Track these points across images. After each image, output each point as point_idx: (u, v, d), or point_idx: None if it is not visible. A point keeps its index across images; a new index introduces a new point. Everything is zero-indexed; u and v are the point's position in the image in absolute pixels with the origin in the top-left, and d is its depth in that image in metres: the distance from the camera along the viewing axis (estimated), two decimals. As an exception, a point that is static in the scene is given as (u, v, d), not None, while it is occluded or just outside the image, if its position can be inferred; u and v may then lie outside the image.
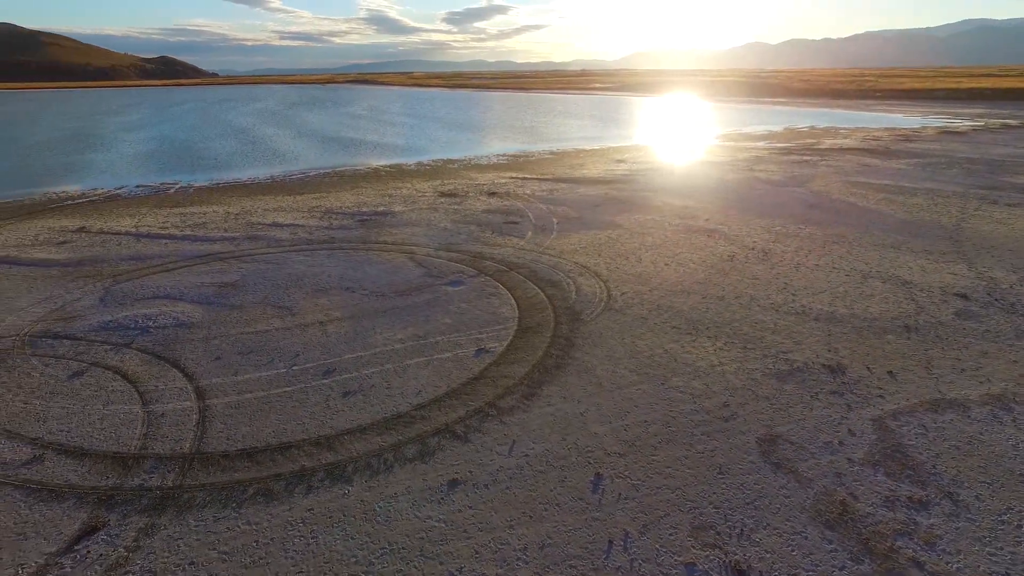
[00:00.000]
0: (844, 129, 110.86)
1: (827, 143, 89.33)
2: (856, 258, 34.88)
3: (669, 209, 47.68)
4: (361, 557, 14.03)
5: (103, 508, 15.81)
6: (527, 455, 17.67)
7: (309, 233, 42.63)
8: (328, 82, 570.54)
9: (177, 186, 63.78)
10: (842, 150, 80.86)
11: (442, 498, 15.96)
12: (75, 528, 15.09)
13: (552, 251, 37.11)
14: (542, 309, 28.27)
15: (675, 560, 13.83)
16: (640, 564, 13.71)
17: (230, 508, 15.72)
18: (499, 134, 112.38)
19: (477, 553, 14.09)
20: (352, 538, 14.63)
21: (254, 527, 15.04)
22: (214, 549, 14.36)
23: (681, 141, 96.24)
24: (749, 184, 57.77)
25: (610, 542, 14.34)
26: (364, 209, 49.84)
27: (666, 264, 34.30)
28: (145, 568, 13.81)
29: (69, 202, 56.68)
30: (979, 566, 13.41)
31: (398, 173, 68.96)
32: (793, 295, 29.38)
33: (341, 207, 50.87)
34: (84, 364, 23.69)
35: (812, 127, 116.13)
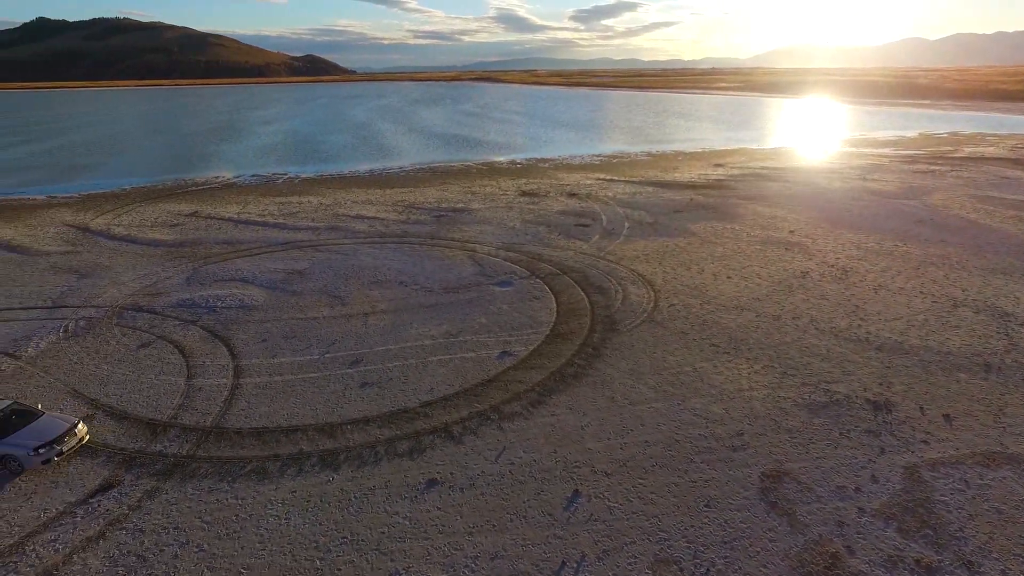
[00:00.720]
0: (993, 136, 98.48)
1: (965, 151, 79.84)
2: (952, 283, 31.05)
3: (753, 218, 44.92)
4: (322, 543, 14.62)
5: (123, 468, 17.60)
6: (512, 463, 17.52)
7: (385, 227, 44.53)
8: (453, 79, 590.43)
9: (286, 176, 68.91)
10: (981, 159, 71.96)
11: (416, 496, 16.23)
12: (96, 483, 16.93)
13: (612, 256, 36.25)
14: (581, 316, 27.76)
15: (626, 591, 13.21)
16: (588, 590, 13.24)
17: (225, 482, 16.93)
18: (601, 134, 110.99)
19: (428, 555, 14.23)
20: (320, 524, 15.28)
21: (239, 502, 16.11)
22: (199, 518, 15.56)
23: (795, 145, 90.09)
24: (855, 194, 53.03)
25: (563, 563, 13.93)
26: (443, 205, 51.25)
27: (728, 277, 32.41)
28: (137, 526, 15.25)
29: (193, 188, 63.03)
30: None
31: (488, 170, 70.16)
32: (861, 320, 26.74)
33: (423, 202, 52.64)
34: (153, 337, 26.38)
35: (954, 133, 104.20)
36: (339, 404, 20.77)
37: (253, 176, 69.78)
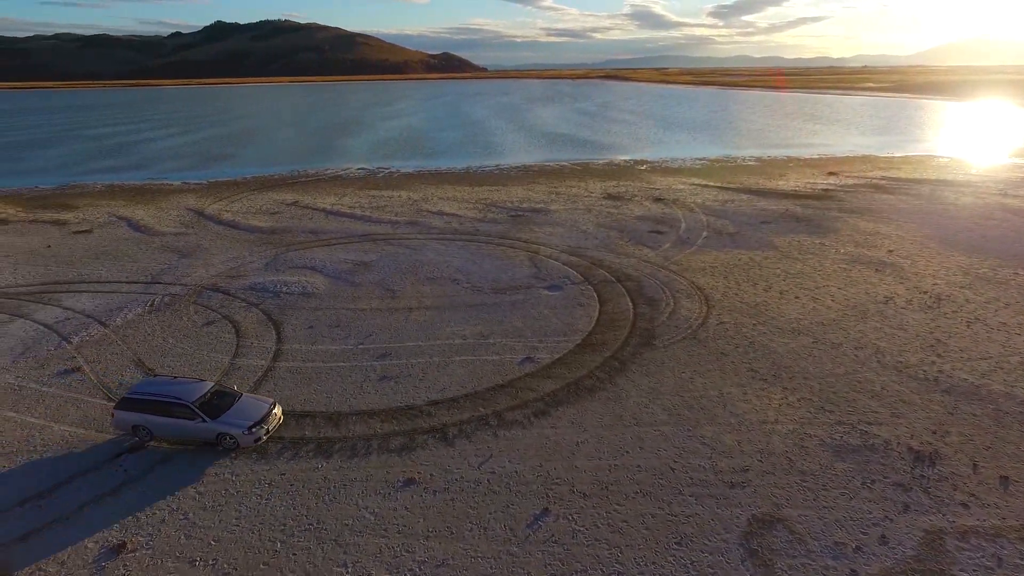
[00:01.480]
0: None
1: None
2: (1072, 322, 26.57)
3: (850, 233, 40.96)
4: (288, 527, 15.36)
5: (149, 435, 19.43)
6: (493, 472, 17.37)
7: (460, 224, 45.50)
8: (580, 77, 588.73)
9: (388, 171, 72.32)
10: None
11: (389, 493, 16.58)
12: (119, 447, 18.87)
13: (676, 267, 34.63)
14: (620, 327, 26.84)
15: (561, 620, 12.70)
16: (524, 612, 12.87)
17: (228, 458, 18.23)
18: (713, 136, 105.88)
19: (379, 553, 14.50)
20: (294, 508, 16.04)
21: (233, 478, 17.30)
22: (194, 488, 16.90)
23: (932, 154, 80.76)
24: (986, 212, 46.71)
25: (505, 580, 13.67)
26: (523, 205, 51.44)
27: (796, 297, 29.87)
28: (139, 491, 16.84)
29: (303, 179, 67.90)
30: None
31: (582, 171, 69.38)
32: (938, 356, 23.64)
33: (505, 201, 53.15)
34: (219, 316, 28.86)
35: None
36: (354, 395, 21.61)
37: (359, 169, 73.92)
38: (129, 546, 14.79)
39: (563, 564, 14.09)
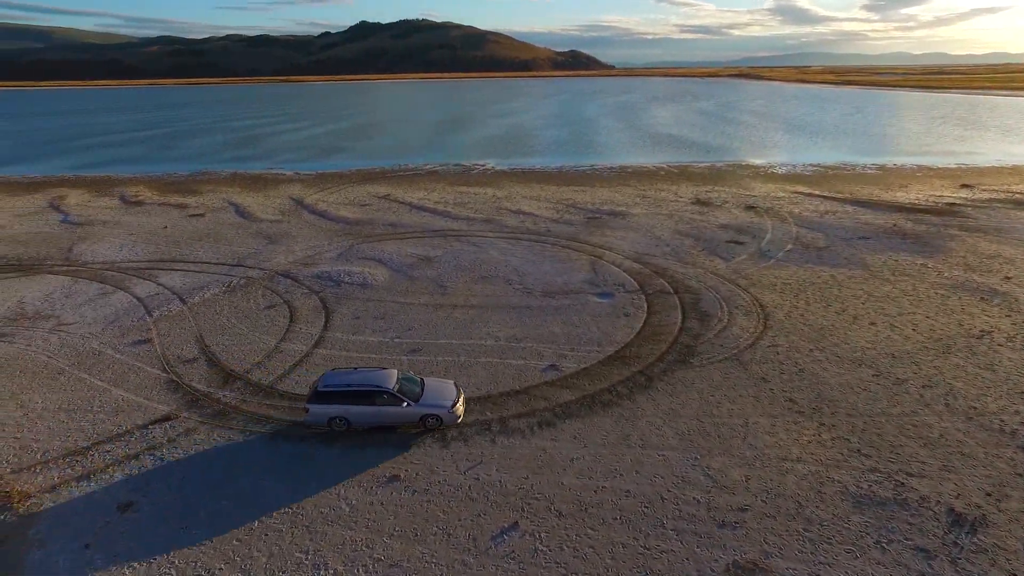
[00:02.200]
0: None
1: None
2: None
3: (964, 255, 36.18)
4: (270, 508, 16.13)
5: (184, 407, 21.23)
6: (477, 479, 17.22)
7: (534, 223, 45.37)
8: (709, 76, 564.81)
9: (483, 168, 73.55)
10: None
11: (371, 488, 16.94)
12: (158, 414, 20.74)
13: (744, 281, 32.38)
14: (660, 341, 25.58)
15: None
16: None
17: (243, 436, 19.47)
18: (836, 140, 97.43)
19: (341, 545, 14.86)
20: (279, 492, 16.81)
21: (238, 453, 18.45)
22: (203, 460, 18.22)
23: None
24: None
25: (449, 590, 13.52)
26: (603, 207, 50.33)
27: (872, 323, 26.91)
28: (158, 456, 18.43)
29: (401, 173, 70.75)
30: None
31: (678, 174, 66.63)
32: (1024, 405, 20.38)
33: (586, 202, 52.27)
34: (280, 300, 30.84)
35: None
36: (372, 387, 22.22)
37: (456, 165, 75.81)
38: (135, 505, 16.25)
39: (513, 583, 13.70)
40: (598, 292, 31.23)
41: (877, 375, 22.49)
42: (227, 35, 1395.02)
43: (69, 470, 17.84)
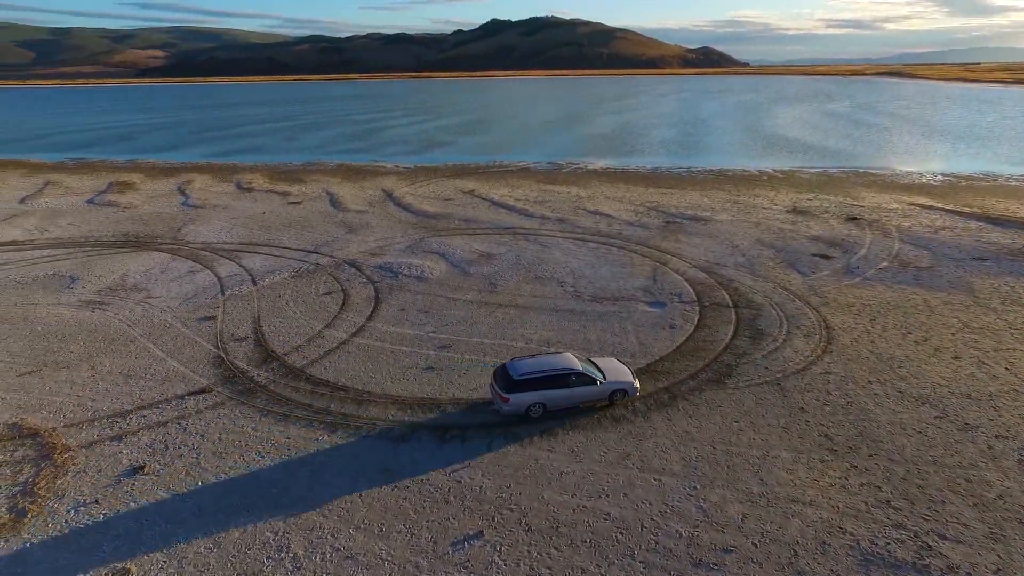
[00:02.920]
0: None
1: None
2: None
3: (1103, 287, 30.74)
4: (263, 483, 16.93)
5: (221, 382, 22.79)
6: (459, 482, 17.04)
7: (608, 225, 44.18)
8: (854, 74, 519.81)
9: (574, 166, 72.66)
10: None
11: (359, 477, 17.27)
12: (196, 387, 22.41)
13: (817, 300, 29.58)
14: (699, 357, 23.99)
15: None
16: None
17: (260, 414, 20.57)
18: (984, 146, 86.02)
19: (310, 530, 15.28)
20: (275, 470, 17.59)
21: (252, 432, 19.51)
22: (219, 434, 19.44)
23: None
24: None
25: (392, 591, 13.48)
26: (687, 212, 47.98)
27: (955, 358, 23.59)
28: (183, 426, 19.91)
29: (493, 169, 71.54)
30: None
31: (781, 180, 62.05)
32: (1124, 472, 16.97)
33: (669, 206, 50.11)
34: (339, 288, 32.26)
35: None
36: (393, 379, 22.70)
37: (549, 163, 75.48)
38: (146, 469, 17.68)
39: (458, 593, 13.42)
40: (651, 301, 29.83)
41: (941, 417, 19.68)
42: (368, 33, 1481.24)
43: (107, 430, 19.74)
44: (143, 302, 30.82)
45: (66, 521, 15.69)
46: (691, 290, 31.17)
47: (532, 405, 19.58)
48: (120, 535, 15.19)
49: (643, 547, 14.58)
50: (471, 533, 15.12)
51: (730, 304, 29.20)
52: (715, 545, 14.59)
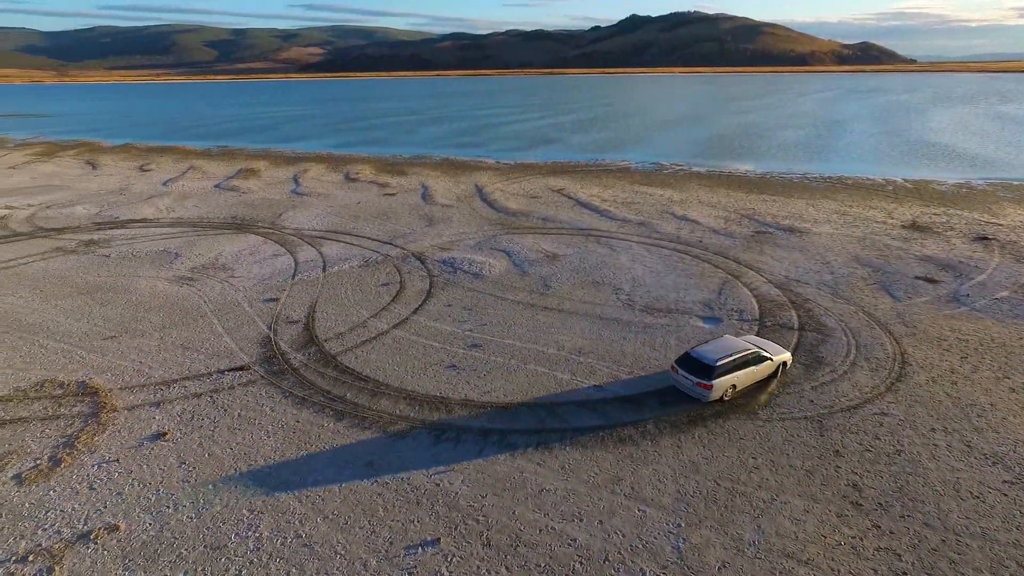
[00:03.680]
0: None
1: None
2: None
3: None
4: (252, 460, 17.79)
5: (261, 361, 24.23)
6: (438, 485, 16.88)
7: (690, 232, 41.81)
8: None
9: (676, 168, 69.46)
10: None
11: (345, 468, 17.64)
12: (234, 364, 23.98)
13: (902, 329, 26.09)
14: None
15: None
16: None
17: (281, 395, 21.63)
18: None
19: (282, 513, 15.82)
20: (270, 449, 18.41)
21: (268, 411, 20.57)
22: (239, 411, 20.68)
23: None
24: None
25: (332, 586, 13.60)
26: (783, 222, 44.23)
27: (1055, 412, 19.79)
28: (213, 399, 21.38)
29: (591, 168, 70.23)
30: None
31: (908, 191, 55.28)
32: None
33: (766, 214, 46.45)
34: (397, 280, 33.15)
35: None
36: (413, 375, 22.96)
37: (652, 163, 72.78)
38: (169, 436, 19.21)
39: (393, 598, 13.28)
40: (707, 316, 27.84)
41: (1013, 483, 16.59)
42: (507, 30, 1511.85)
43: (151, 396, 21.68)
44: (225, 281, 33.53)
45: (87, 475, 17.41)
46: (756, 307, 28.69)
47: (728, 388, 20.41)
48: (121, 493, 16.61)
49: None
50: (428, 539, 14.91)
51: (795, 326, 26.51)
52: (678, 592, 13.30)
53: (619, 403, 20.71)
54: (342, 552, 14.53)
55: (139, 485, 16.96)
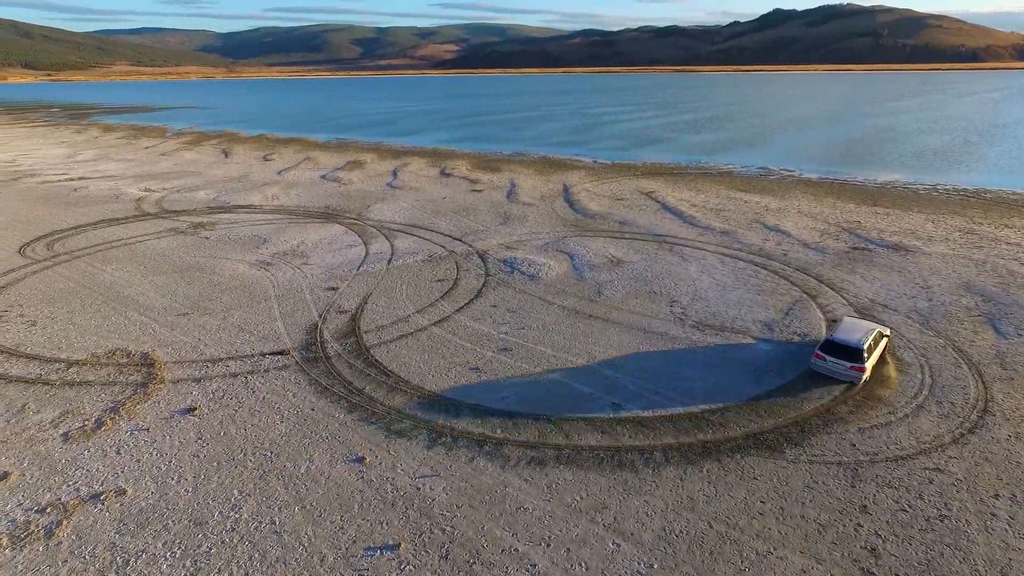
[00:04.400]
0: None
1: None
2: None
3: None
4: (262, 444, 18.65)
5: (301, 347, 25.38)
6: (418, 488, 16.78)
7: (776, 245, 38.62)
8: None
9: (784, 174, 64.41)
10: None
11: (335, 460, 18.03)
12: (274, 348, 25.26)
13: (999, 371, 22.42)
14: (773, 416, 20.00)
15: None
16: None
17: (307, 383, 22.50)
18: None
19: (264, 498, 16.42)
20: (277, 434, 19.20)
21: (290, 397, 21.48)
22: (268, 392, 21.79)
23: None
24: None
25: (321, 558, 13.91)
26: (890, 238, 39.61)
27: None
28: (247, 380, 22.68)
29: (693, 171, 66.95)
30: None
31: (1066, 209, 47.47)
32: None
33: (872, 229, 41.86)
34: (453, 277, 33.46)
35: None
36: (435, 373, 23.02)
37: (758, 168, 68.04)
38: (197, 411, 20.64)
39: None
40: (764, 338, 25.55)
41: (1082, 573, 13.69)
42: (639, 26, 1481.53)
43: (196, 372, 23.41)
44: (297, 267, 35.54)
45: (118, 440, 19.10)
46: (824, 332, 25.89)
47: (871, 367, 21.86)
48: (140, 460, 18.04)
49: (543, 614, 12.85)
50: (390, 543, 14.84)
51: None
52: (625, 640, 12.24)
53: (632, 424, 19.49)
54: (306, 543, 14.82)
55: (157, 454, 18.33)
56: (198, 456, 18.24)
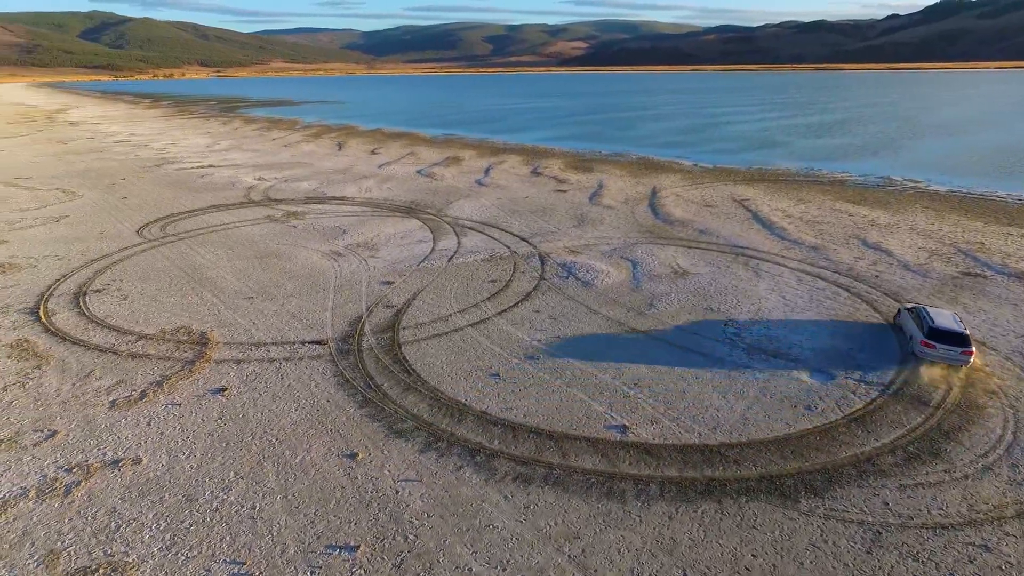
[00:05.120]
0: None
1: None
2: None
3: None
4: (270, 430, 19.48)
5: (339, 339, 26.25)
6: (397, 492, 16.75)
7: (871, 265, 34.73)
8: None
9: (911, 185, 57.70)
10: None
11: (330, 454, 18.43)
12: (315, 337, 26.31)
13: (1104, 436, 18.69)
14: (800, 459, 17.97)
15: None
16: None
17: (331, 374, 23.22)
18: None
19: (253, 482, 17.10)
20: (287, 422, 19.94)
21: (312, 386, 22.27)
22: (295, 380, 22.74)
23: None
24: None
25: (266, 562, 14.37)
26: (1015, 266, 34.25)
27: None
28: (279, 367, 23.81)
29: (800, 178, 61.87)
30: None
31: None
32: None
33: (996, 252, 36.40)
34: (506, 278, 33.21)
35: None
36: (454, 377, 22.92)
37: (879, 178, 61.47)
38: (227, 392, 21.97)
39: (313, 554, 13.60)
40: (822, 369, 23.03)
41: None
42: (781, 21, 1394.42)
43: (240, 354, 24.93)
44: (365, 259, 36.88)
45: (153, 411, 20.74)
46: (895, 370, 22.87)
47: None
48: (164, 433, 19.46)
49: (472, 643, 12.32)
50: (351, 544, 14.91)
51: (934, 402, 20.58)
52: None
53: (636, 451, 18.27)
54: (274, 533, 15.25)
55: (179, 429, 19.70)
56: (212, 435, 19.36)
